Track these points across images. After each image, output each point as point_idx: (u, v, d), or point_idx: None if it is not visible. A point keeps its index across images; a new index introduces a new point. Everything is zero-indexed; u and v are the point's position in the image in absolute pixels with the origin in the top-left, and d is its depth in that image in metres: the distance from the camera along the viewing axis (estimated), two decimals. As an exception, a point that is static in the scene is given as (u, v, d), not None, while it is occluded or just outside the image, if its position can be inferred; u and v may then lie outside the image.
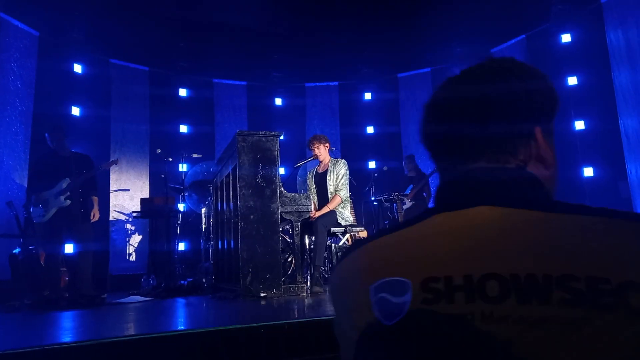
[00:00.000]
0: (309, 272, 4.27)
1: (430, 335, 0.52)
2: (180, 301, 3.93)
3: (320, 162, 4.70)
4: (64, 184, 4.49)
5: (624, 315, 0.45)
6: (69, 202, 4.45)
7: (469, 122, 0.65)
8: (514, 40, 7.30)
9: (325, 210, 4.32)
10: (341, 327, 0.66)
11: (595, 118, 6.31)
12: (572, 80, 6.52)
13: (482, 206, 0.58)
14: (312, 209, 4.20)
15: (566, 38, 6.59)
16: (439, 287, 0.53)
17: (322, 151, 4.65)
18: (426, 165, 7.01)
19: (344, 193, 4.43)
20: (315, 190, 4.62)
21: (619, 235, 0.51)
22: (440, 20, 6.77)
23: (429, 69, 8.24)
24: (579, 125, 6.43)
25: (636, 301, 0.46)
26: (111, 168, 5.95)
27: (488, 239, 0.54)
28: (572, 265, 0.49)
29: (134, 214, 5.82)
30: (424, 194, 6.65)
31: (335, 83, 8.56)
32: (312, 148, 4.61)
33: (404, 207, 6.54)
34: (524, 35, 7.16)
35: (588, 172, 6.32)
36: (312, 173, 4.76)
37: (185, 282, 4.95)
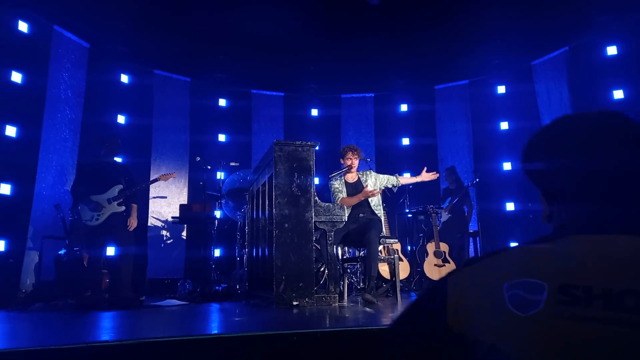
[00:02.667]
0: (342, 282, 4.28)
1: (562, 334, 0.61)
2: (215, 306, 4.00)
3: (351, 172, 4.70)
4: (116, 190, 4.68)
5: None
6: (123, 207, 4.65)
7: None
8: (556, 53, 7.12)
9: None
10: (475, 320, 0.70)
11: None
12: (618, 94, 6.30)
13: (623, 234, 0.68)
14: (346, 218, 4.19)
15: (612, 50, 6.38)
16: (578, 293, 0.62)
17: (355, 161, 4.67)
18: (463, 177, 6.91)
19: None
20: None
21: None
22: (478, 31, 6.69)
23: (466, 81, 8.14)
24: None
25: None
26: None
27: (628, 261, 0.64)
28: None
29: (172, 220, 5.98)
30: (465, 207, 6.53)
31: (371, 94, 8.57)
32: (348, 157, 4.61)
33: (442, 219, 6.46)
34: (566, 47, 6.96)
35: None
36: (342, 182, 4.70)
37: (220, 287, 5.04)
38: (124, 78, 6.97)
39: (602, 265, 0.64)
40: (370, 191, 4.36)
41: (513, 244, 7.13)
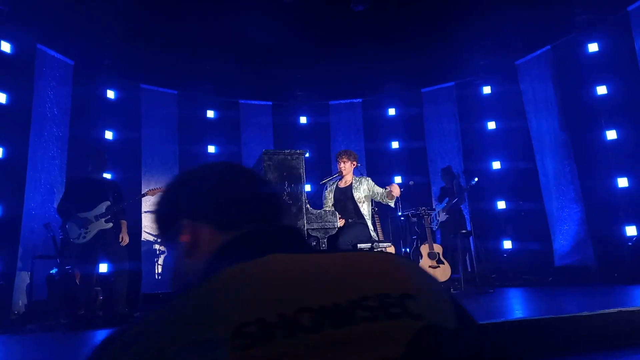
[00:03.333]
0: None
1: None
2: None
3: (343, 177, 4.73)
4: (104, 207, 4.64)
5: (407, 319, 0.55)
6: (111, 224, 4.61)
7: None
8: (539, 52, 7.21)
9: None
10: None
11: (628, 127, 6.14)
12: (602, 90, 6.39)
13: (276, 254, 0.64)
14: (339, 224, 4.21)
15: (593, 47, 6.48)
16: (252, 330, 0.51)
17: (348, 166, 4.70)
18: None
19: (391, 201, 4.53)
20: (331, 205, 4.63)
21: (368, 261, 0.66)
22: (462, 33, 6.77)
23: (452, 83, 8.21)
24: (611, 135, 6.26)
25: (414, 307, 0.57)
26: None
27: (290, 279, 0.60)
28: (363, 288, 0.59)
29: (165, 234, 5.93)
30: (461, 207, 6.58)
31: (359, 100, 8.62)
32: (339, 160, 4.67)
33: (440, 220, 6.48)
34: (549, 46, 7.06)
35: (622, 182, 6.13)
36: (332, 187, 4.77)
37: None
38: (110, 93, 6.94)
39: (269, 290, 0.57)
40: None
41: (507, 242, 7.18)
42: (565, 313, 2.47)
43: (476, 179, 6.23)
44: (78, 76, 6.42)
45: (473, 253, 6.33)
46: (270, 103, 8.38)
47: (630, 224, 5.96)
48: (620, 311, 2.43)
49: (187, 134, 7.58)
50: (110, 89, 6.91)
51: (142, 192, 5.24)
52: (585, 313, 2.38)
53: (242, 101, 8.23)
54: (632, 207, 6.01)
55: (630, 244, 5.86)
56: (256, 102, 8.31)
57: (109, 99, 6.92)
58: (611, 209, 6.16)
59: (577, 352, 2.16)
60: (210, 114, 7.93)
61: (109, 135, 6.78)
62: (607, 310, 2.43)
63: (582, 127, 6.56)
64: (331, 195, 4.72)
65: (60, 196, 5.04)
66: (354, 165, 4.72)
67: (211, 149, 7.81)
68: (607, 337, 2.29)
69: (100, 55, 6.56)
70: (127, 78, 7.09)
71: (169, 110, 7.59)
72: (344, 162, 4.68)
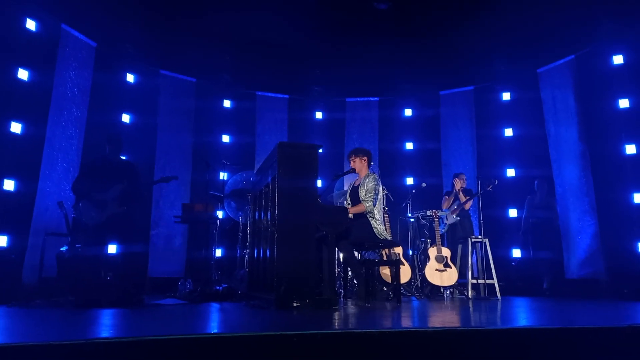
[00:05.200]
0: (346, 285, 4.29)
1: None
2: (215, 306, 3.99)
3: (358, 175, 4.76)
4: (119, 188, 4.68)
5: None
6: (124, 207, 4.65)
7: None
8: (562, 61, 7.10)
9: (352, 210, 4.40)
10: None
11: (648, 141, 6.02)
12: (624, 103, 6.27)
13: None
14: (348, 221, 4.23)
15: (618, 59, 6.37)
16: None
17: (358, 164, 4.71)
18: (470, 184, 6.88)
19: (369, 205, 4.46)
20: (349, 202, 4.67)
21: None
22: (484, 38, 6.69)
23: (472, 87, 8.13)
24: (630, 149, 6.15)
25: None
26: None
27: None
28: None
29: (174, 219, 5.99)
30: (471, 212, 6.54)
31: (376, 99, 8.58)
32: (349, 160, 4.74)
33: (448, 222, 6.44)
34: (573, 56, 6.95)
35: (639, 198, 6.02)
36: (351, 185, 4.86)
37: (221, 288, 5.03)
38: (130, 77, 7.00)
39: None
40: None
41: (516, 250, 7.10)
42: (572, 324, 2.43)
43: (496, 181, 6.19)
44: (100, 58, 6.47)
45: (482, 260, 6.27)
46: (287, 96, 8.38)
47: (644, 240, 5.85)
48: (632, 326, 2.39)
49: (202, 123, 7.62)
50: (130, 72, 6.97)
51: (157, 179, 5.28)
52: (592, 326, 2.35)
53: (259, 93, 8.24)
54: (647, 223, 5.90)
55: (643, 260, 5.76)
56: (273, 95, 8.32)
57: (129, 83, 6.98)
58: (625, 224, 6.05)
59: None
60: (226, 103, 7.96)
61: (126, 118, 6.84)
62: (617, 325, 2.39)
63: (602, 139, 6.45)
64: (348, 196, 4.80)
65: (76, 175, 5.10)
66: (364, 161, 4.72)
67: (225, 138, 7.84)
68: (614, 351, 2.25)
69: (122, 39, 6.61)
70: (147, 63, 7.14)
71: (187, 97, 7.63)
72: (353, 161, 4.74)
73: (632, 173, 6.10)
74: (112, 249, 4.87)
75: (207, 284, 5.12)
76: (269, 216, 4.12)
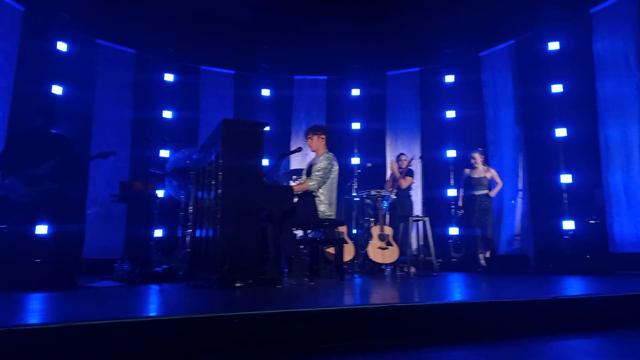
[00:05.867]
0: (293, 263, 4.29)
1: None
2: (154, 288, 3.88)
3: (315, 154, 4.71)
4: (51, 164, 4.38)
5: None
6: (57, 184, 4.36)
7: None
8: (502, 45, 7.37)
9: (295, 188, 4.34)
10: None
11: (577, 126, 6.43)
12: (557, 88, 6.62)
13: None
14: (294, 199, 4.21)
15: (554, 45, 6.68)
16: None
17: (315, 142, 4.66)
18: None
19: (313, 184, 4.40)
20: (304, 179, 4.63)
21: None
22: (430, 21, 6.81)
23: (417, 69, 8.28)
24: (561, 132, 6.53)
25: None
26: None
27: None
28: None
29: (112, 198, 5.72)
30: (410, 191, 6.66)
31: (324, 77, 8.54)
32: (307, 137, 4.68)
33: (389, 202, 6.55)
34: (513, 41, 7.22)
35: (566, 178, 6.44)
36: (308, 165, 4.79)
37: (161, 268, 4.89)
38: (62, 46, 6.51)
39: None
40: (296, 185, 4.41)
41: (453, 229, 7.41)
42: (501, 298, 2.58)
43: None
44: (28, 23, 5.99)
45: (422, 238, 6.50)
46: (233, 72, 8.17)
47: (568, 218, 6.29)
48: (555, 299, 2.56)
49: (143, 97, 7.29)
50: (62, 40, 6.49)
51: (94, 155, 5.00)
52: (520, 299, 2.49)
53: (204, 67, 7.97)
54: (572, 203, 6.34)
55: (566, 237, 6.21)
56: (218, 70, 8.07)
57: (61, 52, 6.50)
58: (553, 204, 6.48)
59: (510, 336, 2.27)
60: (168, 77, 7.62)
61: (57, 90, 6.39)
62: (542, 298, 2.56)
63: (535, 122, 6.81)
64: (305, 171, 4.73)
65: (1, 149, 4.73)
66: (322, 139, 4.68)
67: (167, 114, 7.54)
68: (540, 323, 2.41)
69: (53, 3, 6.14)
70: (82, 31, 6.68)
71: (126, 69, 7.25)
72: (310, 139, 4.68)
73: (561, 155, 6.50)
74: (43, 229, 4.59)
75: (147, 265, 4.97)
76: (212, 195, 4.03)
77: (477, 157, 6.25)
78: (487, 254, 6.02)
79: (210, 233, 3.97)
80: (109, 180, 6.67)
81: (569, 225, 6.27)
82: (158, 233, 6.67)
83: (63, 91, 6.45)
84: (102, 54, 7.02)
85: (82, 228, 6.12)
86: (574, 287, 3.70)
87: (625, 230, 5.70)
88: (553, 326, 2.41)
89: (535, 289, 3.63)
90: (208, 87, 7.93)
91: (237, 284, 3.47)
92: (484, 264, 5.63)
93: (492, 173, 6.26)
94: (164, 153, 6.96)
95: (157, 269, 4.92)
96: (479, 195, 6.13)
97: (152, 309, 2.53)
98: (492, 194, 6.19)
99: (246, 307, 2.37)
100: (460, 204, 6.44)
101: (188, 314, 2.03)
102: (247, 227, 3.66)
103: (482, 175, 6.18)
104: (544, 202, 6.60)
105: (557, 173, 6.49)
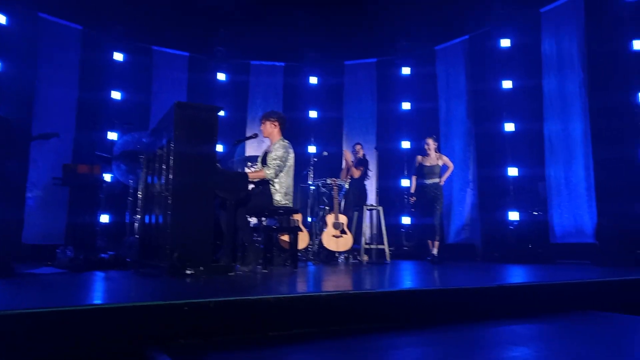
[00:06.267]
0: (248, 251, 4.23)
1: None
2: (100, 275, 3.72)
3: (270, 141, 4.64)
4: None
5: None
6: None
7: None
8: (457, 40, 7.54)
9: (252, 175, 4.27)
10: None
11: (524, 121, 6.70)
12: (507, 84, 6.86)
13: None
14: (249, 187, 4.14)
15: (505, 42, 6.90)
16: None
17: (268, 128, 4.59)
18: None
19: (270, 172, 4.34)
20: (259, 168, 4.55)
21: None
22: (388, 12, 6.86)
23: (375, 60, 8.34)
24: (509, 127, 6.79)
25: None
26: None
27: None
28: None
29: (54, 181, 5.43)
30: (364, 181, 6.71)
31: (282, 64, 8.44)
32: (261, 123, 4.60)
33: (343, 192, 6.59)
34: (467, 36, 7.40)
35: (513, 171, 6.71)
36: (263, 152, 4.70)
37: (107, 255, 4.70)
38: (1, 19, 6.06)
39: None
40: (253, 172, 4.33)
41: (405, 218, 7.58)
42: (449, 286, 2.65)
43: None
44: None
45: (375, 226, 6.59)
46: (188, 54, 7.91)
47: (513, 209, 6.58)
48: (500, 287, 2.67)
49: (90, 76, 6.92)
50: (1, 13, 6.03)
51: (35, 136, 4.70)
52: (467, 287, 2.58)
53: (156, 48, 7.66)
54: (517, 195, 6.64)
55: (511, 227, 6.49)
56: (172, 51, 7.78)
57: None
58: (500, 195, 6.75)
59: (458, 322, 2.34)
60: (118, 56, 7.27)
61: (-6, 66, 5.96)
62: (487, 285, 2.65)
63: (486, 117, 7.05)
64: (260, 159, 4.64)
65: None
66: (275, 125, 4.60)
67: (116, 95, 7.20)
68: (486, 309, 2.50)
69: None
70: (21, 4, 6.24)
71: (72, 47, 6.85)
72: (263, 124, 4.60)
73: (508, 149, 6.77)
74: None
75: (92, 252, 4.76)
76: (162, 180, 3.89)
77: (431, 143, 6.06)
78: (437, 243, 6.05)
79: (161, 219, 3.84)
80: (53, 163, 6.31)
81: (514, 216, 6.56)
82: (104, 219, 6.40)
83: (1, 68, 6.02)
84: (46, 29, 6.60)
85: (21, 212, 5.77)
86: (517, 275, 3.88)
87: (565, 222, 6.02)
88: (498, 312, 2.51)
89: (482, 277, 3.77)
90: (161, 69, 7.64)
91: (188, 272, 3.38)
92: (435, 253, 5.79)
93: (443, 159, 6.14)
94: (112, 135, 6.66)
95: (103, 255, 4.73)
96: (430, 183, 6.01)
97: (97, 297, 2.42)
98: (443, 180, 6.05)
99: (196, 294, 2.31)
100: (412, 191, 6.26)
101: (134, 302, 1.95)
102: (199, 214, 3.57)
103: (434, 163, 6.03)
104: (492, 193, 6.87)
105: (505, 166, 6.75)
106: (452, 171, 6.20)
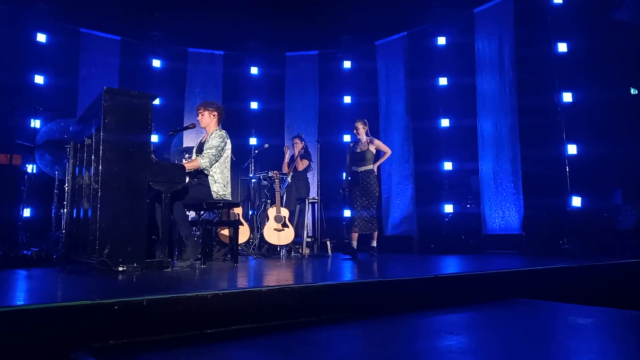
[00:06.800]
0: (184, 247, 4.07)
1: None
2: (22, 273, 3.45)
3: (206, 131, 4.48)
4: None
5: None
6: None
7: None
8: (396, 36, 7.68)
9: (187, 166, 4.10)
10: None
11: (459, 118, 6.98)
12: (443, 81, 7.10)
13: None
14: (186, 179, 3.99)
15: (442, 40, 7.13)
16: None
17: (206, 118, 4.43)
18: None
19: (204, 162, 4.19)
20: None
21: None
22: (330, 6, 6.85)
23: (316, 52, 8.32)
24: (445, 122, 7.04)
25: None
26: None
27: None
28: None
29: (-32, 172, 4.96)
30: (307, 173, 6.67)
31: (221, 52, 8.21)
32: (197, 113, 4.44)
33: (285, 185, 6.53)
34: (405, 32, 7.56)
35: (447, 166, 6.98)
36: (198, 142, 4.54)
37: (30, 252, 4.36)
38: None
39: None
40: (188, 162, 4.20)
41: (347, 211, 7.66)
42: (388, 277, 2.70)
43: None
44: None
45: (317, 220, 6.61)
46: (119, 38, 7.47)
47: (448, 202, 6.86)
48: (435, 277, 2.75)
49: (8, 58, 6.35)
50: None
51: None
52: (405, 278, 2.63)
53: (85, 30, 7.17)
54: (452, 189, 6.92)
55: (446, 220, 6.76)
56: (102, 35, 7.32)
57: None
58: (436, 188, 7.01)
59: (396, 312, 2.38)
60: (41, 37, 6.74)
61: None
62: (424, 276, 2.73)
63: (423, 112, 7.27)
64: (195, 149, 4.47)
65: None
66: (213, 116, 4.45)
67: (39, 79, 6.67)
68: (422, 299, 2.57)
69: None
70: None
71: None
72: (201, 114, 4.43)
73: (444, 144, 7.03)
74: None
75: (12, 248, 4.40)
76: (92, 171, 3.65)
77: (360, 127, 5.54)
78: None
79: (90, 213, 3.61)
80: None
81: (449, 209, 6.83)
82: (26, 213, 5.94)
83: None
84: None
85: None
86: (451, 265, 4.03)
87: (495, 214, 6.35)
88: (434, 302, 2.58)
89: (418, 268, 3.88)
90: (90, 53, 7.17)
91: (121, 268, 3.21)
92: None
93: (376, 144, 5.57)
94: (34, 123, 6.18)
95: (26, 252, 4.38)
96: (362, 171, 5.47)
97: (17, 297, 2.23)
98: (376, 166, 5.55)
99: (128, 292, 2.18)
100: (344, 179, 5.81)
101: (58, 302, 1.81)
102: (132, 207, 3.40)
103: (365, 149, 5.49)
104: (428, 187, 7.11)
105: (441, 160, 7.01)
106: (390, 160, 6.01)
